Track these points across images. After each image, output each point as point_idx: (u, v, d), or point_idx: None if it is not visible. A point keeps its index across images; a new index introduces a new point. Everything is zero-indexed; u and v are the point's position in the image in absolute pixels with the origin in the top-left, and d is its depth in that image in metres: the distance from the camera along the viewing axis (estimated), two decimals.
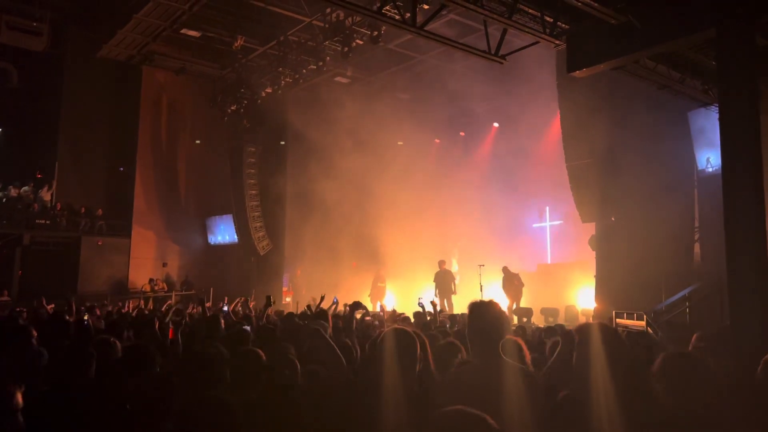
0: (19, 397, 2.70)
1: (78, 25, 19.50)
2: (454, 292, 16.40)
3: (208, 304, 10.51)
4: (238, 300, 12.01)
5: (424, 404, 2.90)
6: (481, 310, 3.27)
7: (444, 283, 16.50)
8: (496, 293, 15.88)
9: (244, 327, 5.95)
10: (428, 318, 9.63)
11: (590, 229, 14.40)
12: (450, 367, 3.68)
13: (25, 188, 19.27)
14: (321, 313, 7.74)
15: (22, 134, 20.72)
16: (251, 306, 11.79)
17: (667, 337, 9.67)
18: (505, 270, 15.87)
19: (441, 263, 16.86)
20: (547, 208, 19.09)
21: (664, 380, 2.88)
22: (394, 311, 11.87)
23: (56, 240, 19.61)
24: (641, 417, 2.86)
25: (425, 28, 8.86)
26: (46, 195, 19.41)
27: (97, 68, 19.89)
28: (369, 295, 17.94)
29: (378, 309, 14.33)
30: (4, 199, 18.84)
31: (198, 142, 21.82)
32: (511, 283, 15.63)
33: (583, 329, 3.37)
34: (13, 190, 18.99)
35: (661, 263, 12.33)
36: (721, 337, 6.68)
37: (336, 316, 9.11)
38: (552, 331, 8.12)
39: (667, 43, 7.94)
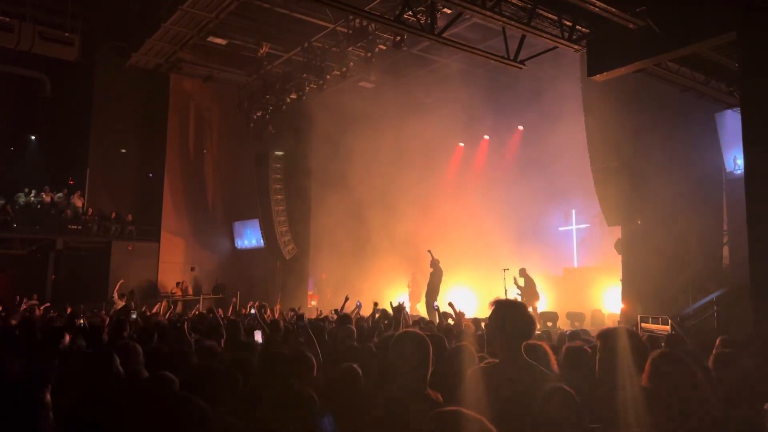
0: (48, 396, 2.81)
1: (108, 34, 19.93)
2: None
3: (219, 312, 10.68)
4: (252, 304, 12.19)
5: (437, 405, 2.92)
6: (506, 308, 3.17)
7: (431, 282, 15.37)
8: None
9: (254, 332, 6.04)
10: (451, 322, 9.65)
11: (618, 232, 14.21)
12: (464, 370, 3.67)
13: (59, 195, 19.77)
14: (345, 318, 7.83)
15: (54, 142, 21.30)
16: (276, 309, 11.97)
17: (693, 342, 9.53)
18: (523, 272, 15.63)
19: (435, 262, 15.54)
20: (573, 211, 18.89)
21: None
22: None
23: (88, 245, 20.08)
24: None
25: (444, 35, 8.88)
26: (78, 201, 19.86)
27: (126, 77, 20.31)
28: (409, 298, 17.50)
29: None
30: (39, 205, 19.35)
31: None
32: (529, 286, 15.46)
33: (606, 334, 3.37)
34: (46, 197, 19.49)
35: (689, 267, 12.12)
36: (746, 342, 6.60)
37: (360, 320, 9.19)
38: (575, 335, 8.07)
39: (686, 46, 7.85)
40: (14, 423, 2.62)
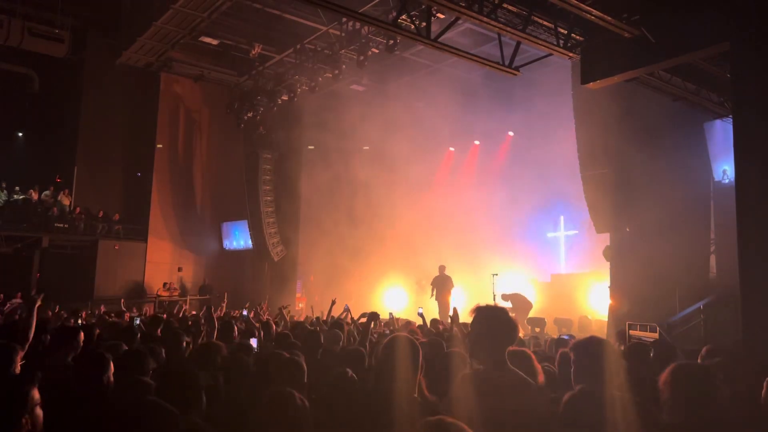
0: (36, 393, 2.79)
1: (98, 32, 19.83)
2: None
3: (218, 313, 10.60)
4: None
5: (426, 411, 2.93)
6: (487, 314, 3.11)
7: (442, 287, 16.44)
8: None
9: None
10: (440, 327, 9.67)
11: (605, 239, 14.30)
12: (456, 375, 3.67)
13: (46, 192, 19.57)
14: (336, 323, 7.80)
15: (42, 139, 21.10)
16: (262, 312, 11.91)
17: (680, 349, 9.58)
18: (504, 297, 15.81)
19: (441, 268, 16.78)
20: (562, 217, 19.00)
21: (673, 391, 2.92)
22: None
23: (74, 243, 19.87)
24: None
25: (439, 39, 8.90)
26: (65, 199, 19.67)
27: (116, 75, 20.15)
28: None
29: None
30: (21, 202, 19.12)
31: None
32: (518, 307, 15.63)
33: (578, 346, 3.42)
34: (33, 194, 19.28)
35: (676, 275, 12.19)
36: (734, 351, 6.64)
37: (348, 324, 9.15)
38: (562, 342, 8.09)
39: (681, 56, 7.92)
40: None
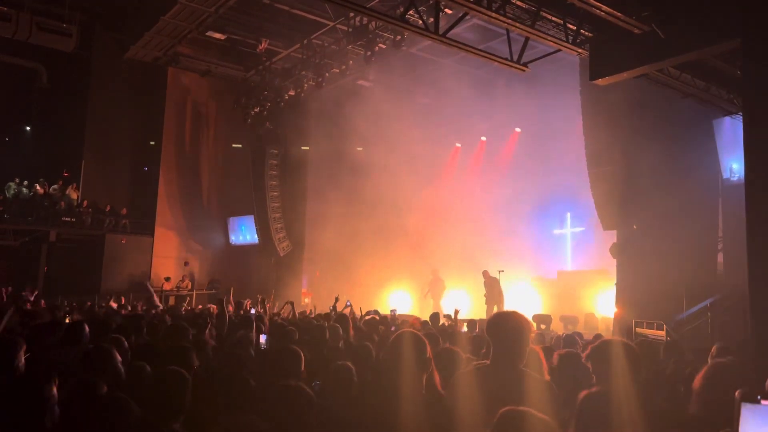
0: (54, 390, 2.80)
1: (106, 26, 19.85)
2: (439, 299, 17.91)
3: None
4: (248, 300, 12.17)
5: (434, 406, 2.95)
6: (502, 320, 3.27)
7: (437, 290, 17.78)
8: (517, 299, 15.92)
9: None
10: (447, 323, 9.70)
11: (612, 236, 14.24)
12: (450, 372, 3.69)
13: (54, 186, 19.62)
14: (340, 317, 7.82)
15: (49, 133, 21.14)
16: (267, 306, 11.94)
17: (688, 347, 9.55)
18: (485, 274, 15.86)
19: (434, 272, 18.11)
20: (569, 214, 18.95)
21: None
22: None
23: (81, 237, 19.94)
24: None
25: (447, 35, 8.87)
26: (73, 193, 19.71)
27: (123, 69, 20.22)
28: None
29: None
30: (31, 194, 19.17)
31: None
32: (492, 288, 15.64)
33: (599, 348, 3.42)
34: (39, 188, 19.31)
35: (683, 272, 12.15)
36: (742, 348, 6.61)
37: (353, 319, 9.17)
38: (571, 339, 8.08)
39: (691, 52, 7.86)
40: (21, 416, 2.60)
